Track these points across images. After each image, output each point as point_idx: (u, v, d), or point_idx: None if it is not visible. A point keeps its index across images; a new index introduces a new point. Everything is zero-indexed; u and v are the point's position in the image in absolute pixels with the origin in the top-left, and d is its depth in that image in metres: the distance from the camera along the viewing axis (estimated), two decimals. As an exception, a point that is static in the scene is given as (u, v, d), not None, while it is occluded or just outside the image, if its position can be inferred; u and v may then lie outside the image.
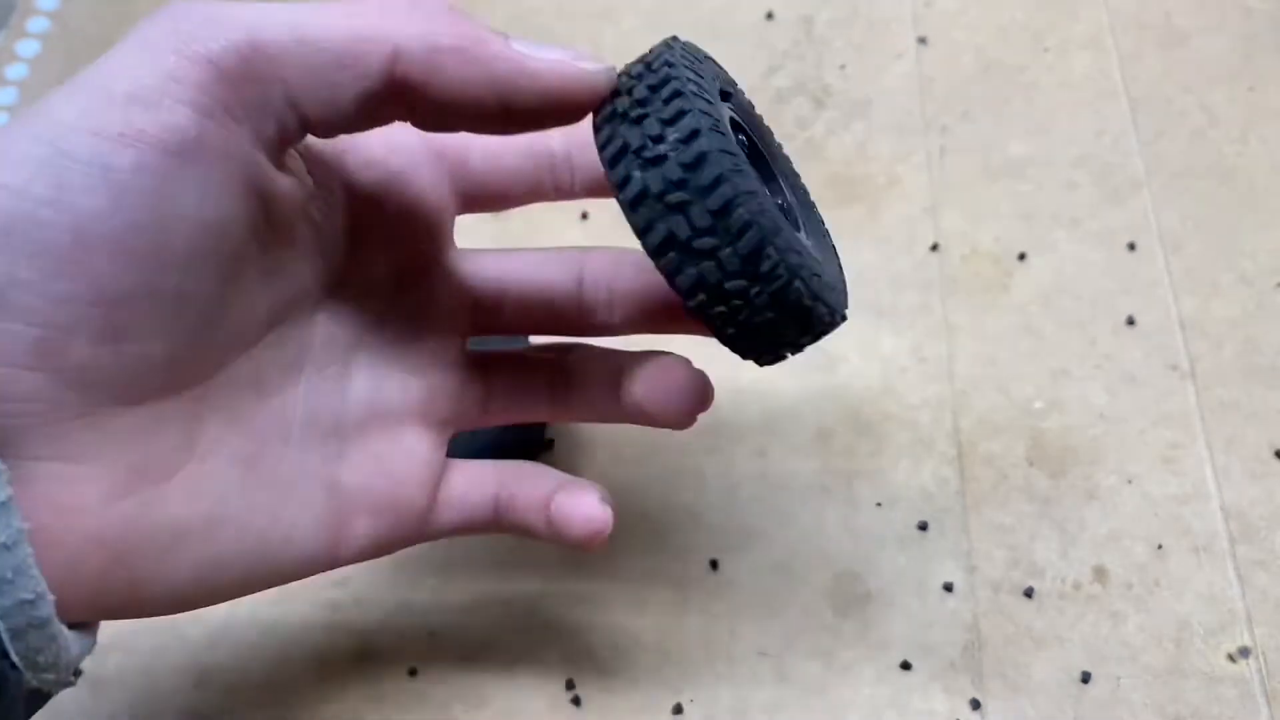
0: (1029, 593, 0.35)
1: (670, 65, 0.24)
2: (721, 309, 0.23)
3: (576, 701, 0.34)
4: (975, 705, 0.33)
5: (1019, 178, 0.44)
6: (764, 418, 0.39)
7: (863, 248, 0.42)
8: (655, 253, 0.23)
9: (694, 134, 0.22)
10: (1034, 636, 0.34)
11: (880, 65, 0.47)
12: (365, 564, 0.36)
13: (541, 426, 0.38)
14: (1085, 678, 0.34)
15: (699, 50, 0.26)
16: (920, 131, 0.45)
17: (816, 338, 0.25)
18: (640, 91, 0.23)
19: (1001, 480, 0.37)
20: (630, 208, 0.23)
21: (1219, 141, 0.44)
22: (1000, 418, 0.38)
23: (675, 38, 0.26)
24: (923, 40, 0.48)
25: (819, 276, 0.25)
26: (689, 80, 0.23)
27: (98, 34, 0.49)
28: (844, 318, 0.26)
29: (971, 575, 0.35)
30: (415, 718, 0.34)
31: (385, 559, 0.36)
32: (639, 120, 0.23)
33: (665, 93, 0.23)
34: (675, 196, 0.22)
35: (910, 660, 0.34)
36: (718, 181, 0.22)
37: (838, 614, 0.35)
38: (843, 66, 0.47)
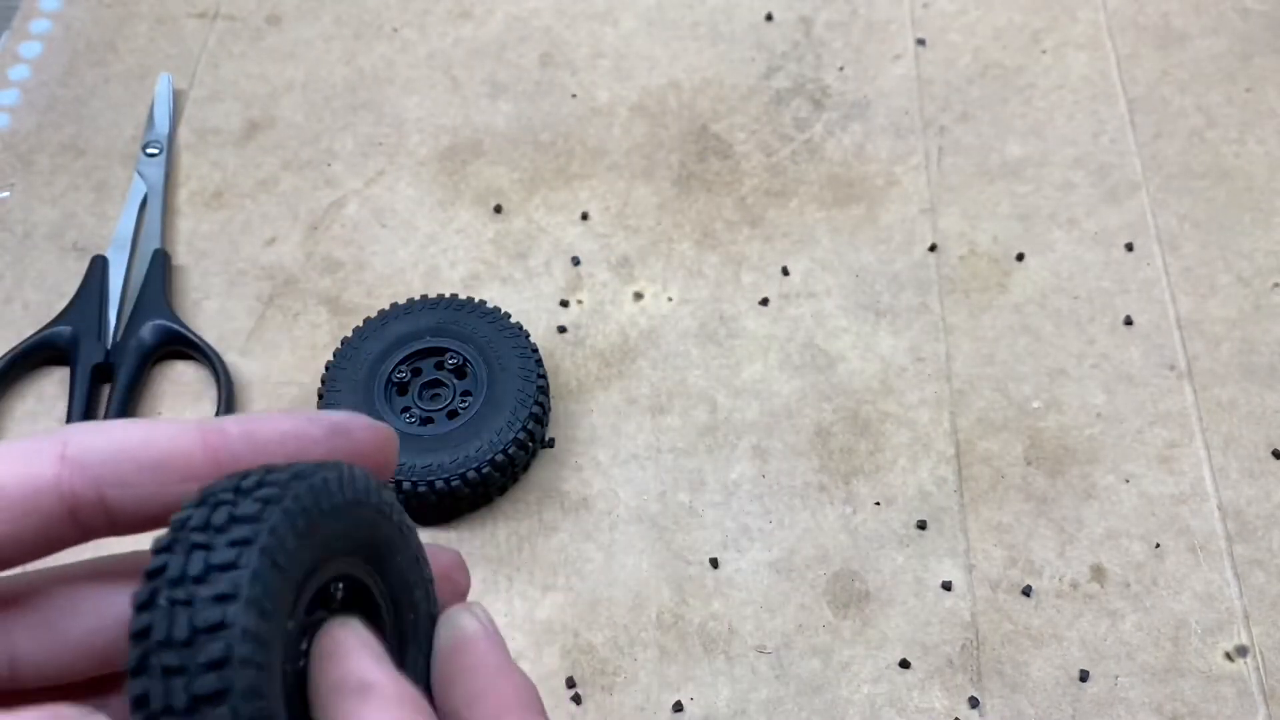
0: (1027, 591, 0.35)
1: (264, 504, 0.19)
2: None
3: (577, 700, 0.34)
4: (974, 703, 0.33)
5: (1017, 178, 0.44)
6: (763, 418, 0.39)
7: (861, 248, 0.42)
8: (130, 699, 0.19)
9: (226, 597, 0.18)
10: (1032, 635, 0.34)
11: (879, 67, 0.47)
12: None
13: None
14: (1083, 676, 0.34)
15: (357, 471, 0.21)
16: (918, 132, 0.45)
17: None
18: (219, 517, 0.19)
19: (999, 479, 0.37)
20: (132, 638, 0.19)
21: (1216, 142, 0.44)
22: (998, 417, 0.39)
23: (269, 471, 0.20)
24: (921, 42, 0.48)
25: None
26: (272, 532, 0.19)
27: (99, 36, 0.50)
28: None
29: (970, 574, 0.36)
30: (416, 716, 0.34)
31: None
32: (198, 546, 0.19)
33: (235, 535, 0.19)
34: (168, 657, 0.18)
35: (909, 658, 0.34)
36: (218, 664, 0.18)
37: (837, 612, 0.35)
38: (841, 68, 0.47)
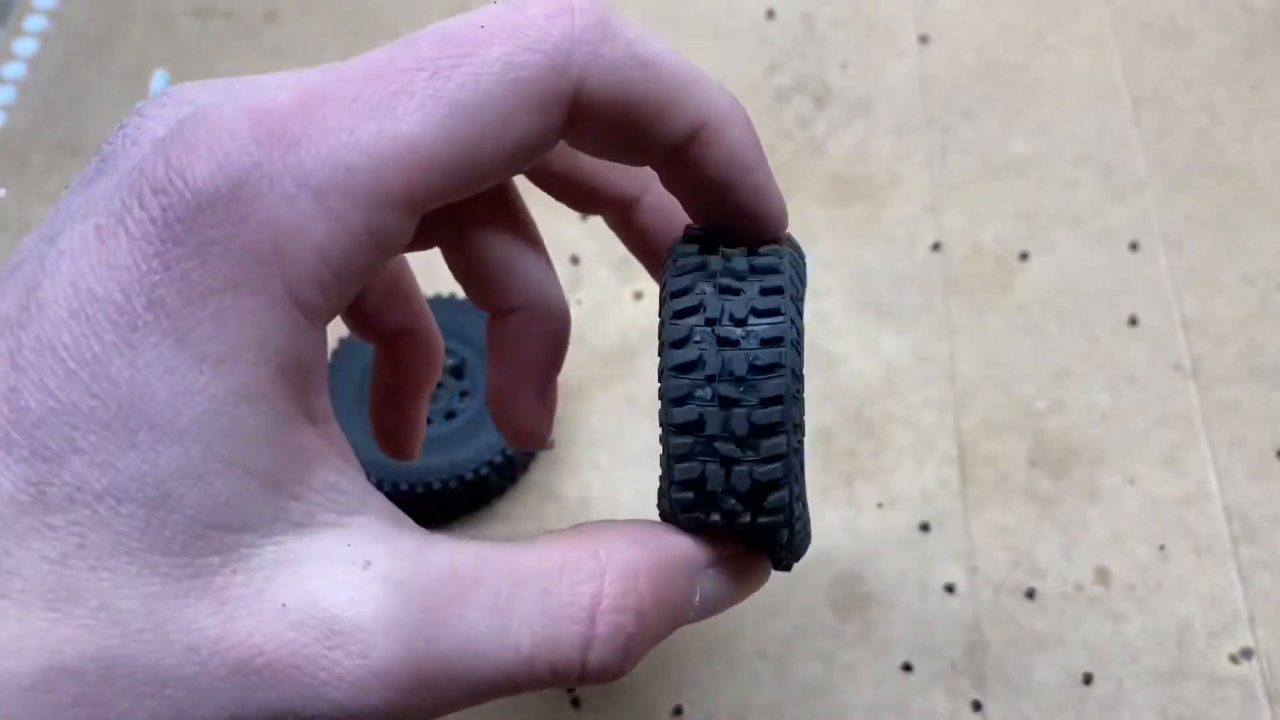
0: (1031, 594, 0.35)
1: (779, 258, 0.22)
2: (699, 512, 0.21)
3: (576, 703, 0.34)
4: (977, 707, 0.33)
5: (1021, 177, 0.44)
6: (765, 418, 0.39)
7: (864, 247, 0.42)
8: (673, 425, 0.21)
9: (776, 340, 0.20)
10: (1036, 638, 0.34)
11: (881, 64, 0.47)
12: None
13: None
14: (1087, 679, 0.33)
15: (802, 256, 0.24)
16: (921, 130, 0.45)
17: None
18: (739, 264, 0.21)
19: (1003, 481, 0.37)
20: (675, 371, 0.20)
21: (1221, 140, 0.44)
22: (1002, 418, 0.38)
23: (789, 235, 0.24)
24: (924, 39, 0.48)
25: (805, 534, 0.23)
26: (790, 284, 0.21)
27: (95, 33, 0.49)
28: (790, 568, 0.24)
29: (973, 576, 0.35)
30: None
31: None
32: (728, 291, 0.21)
33: (766, 283, 0.21)
34: (726, 389, 0.20)
35: (912, 662, 0.34)
36: (776, 400, 0.20)
37: (839, 615, 0.35)
38: (844, 65, 0.47)
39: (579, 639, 0.19)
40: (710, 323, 0.21)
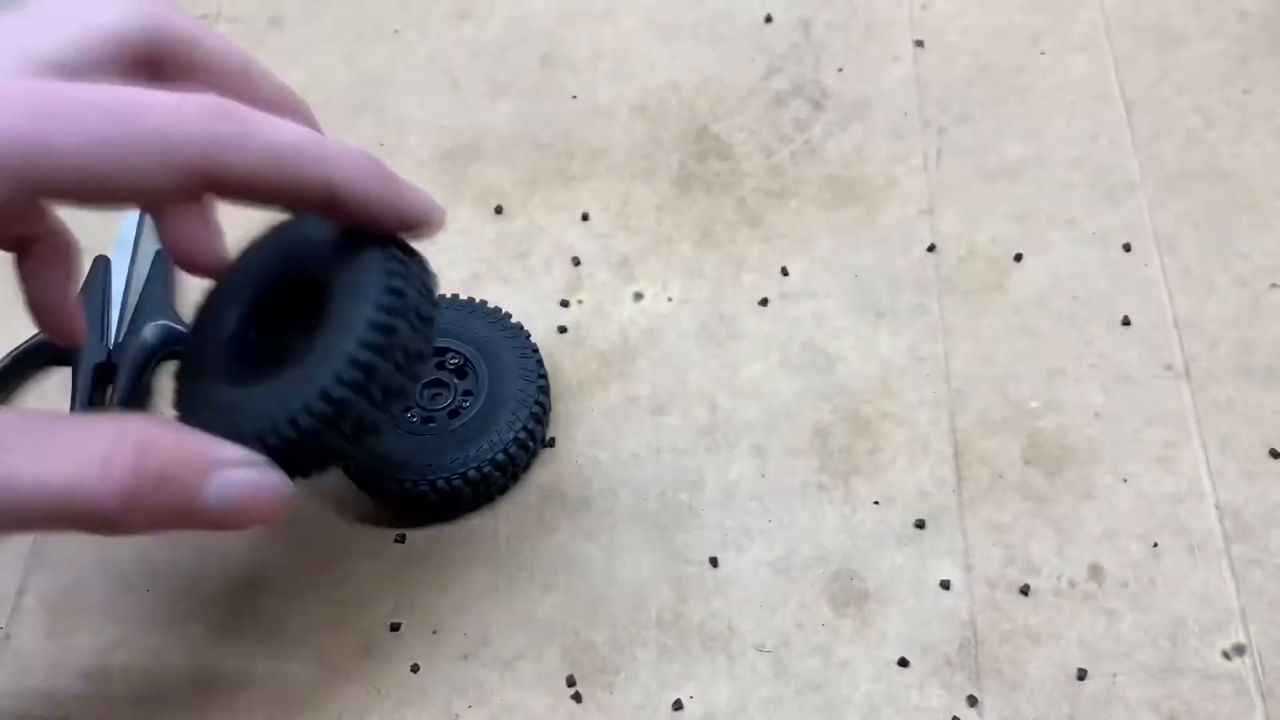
0: (1025, 590, 0.35)
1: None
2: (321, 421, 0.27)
3: (577, 698, 0.34)
4: (972, 702, 0.34)
5: (1015, 179, 0.44)
6: (763, 417, 0.39)
7: (860, 249, 0.43)
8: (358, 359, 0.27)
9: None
10: (1030, 634, 0.35)
11: (878, 68, 0.47)
12: (368, 562, 0.37)
13: None
14: (1081, 675, 0.34)
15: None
16: (917, 133, 0.46)
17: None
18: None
19: (998, 479, 0.37)
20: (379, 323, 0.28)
21: (1214, 143, 0.44)
22: (997, 417, 0.39)
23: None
24: (920, 43, 0.48)
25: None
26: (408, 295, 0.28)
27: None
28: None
29: (968, 573, 0.36)
30: (418, 714, 0.34)
31: (388, 558, 0.37)
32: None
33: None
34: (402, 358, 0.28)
35: (908, 657, 0.34)
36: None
37: (836, 611, 0.35)
38: (841, 69, 0.47)
39: (97, 482, 0.24)
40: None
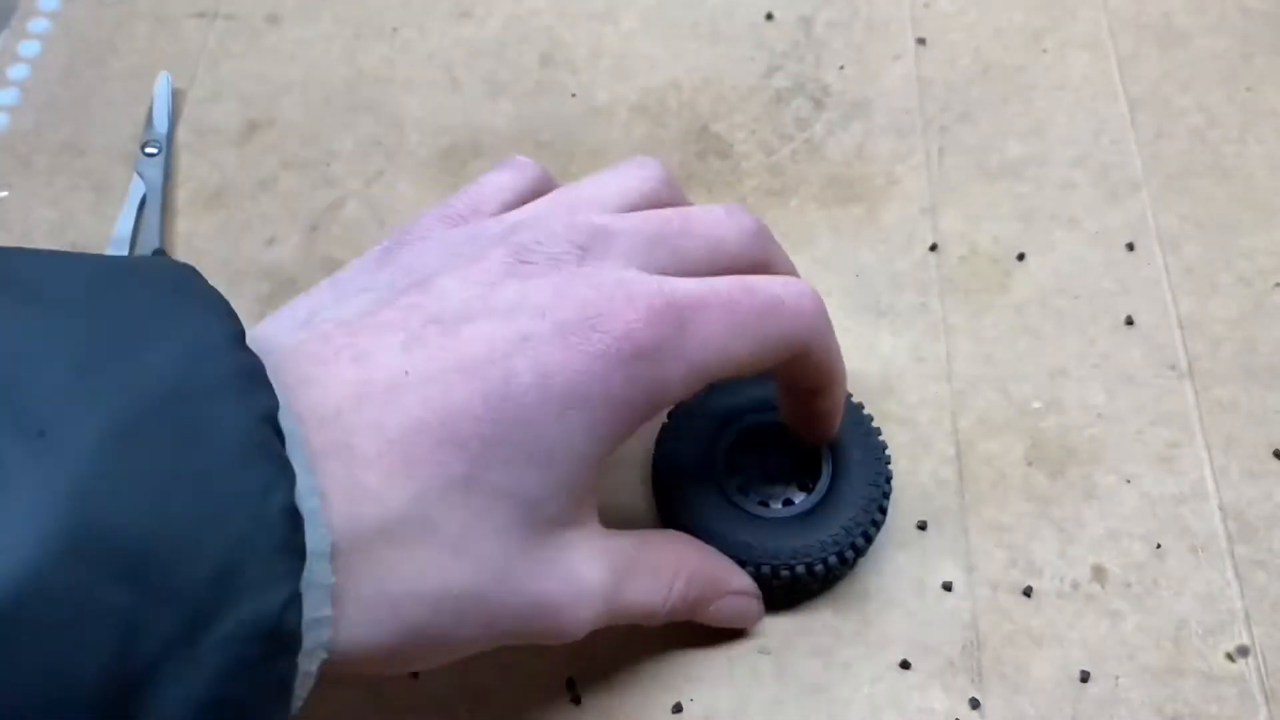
0: (1028, 592, 0.35)
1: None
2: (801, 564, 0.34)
3: (577, 700, 0.34)
4: (974, 704, 0.33)
5: (1017, 178, 0.44)
6: (763, 418, 0.39)
7: (861, 248, 0.42)
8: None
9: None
10: (1033, 636, 0.34)
11: (879, 66, 0.47)
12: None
13: None
14: (1084, 677, 0.34)
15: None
16: (919, 132, 0.45)
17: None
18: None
19: (1000, 480, 0.37)
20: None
21: (1217, 142, 0.44)
22: (999, 417, 0.38)
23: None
24: (921, 41, 0.48)
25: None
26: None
27: (98, 35, 0.49)
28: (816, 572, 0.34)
29: (970, 574, 0.36)
30: (418, 716, 0.34)
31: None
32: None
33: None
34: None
35: (909, 659, 0.34)
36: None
37: (837, 613, 0.35)
38: (842, 67, 0.47)
39: (661, 603, 0.31)
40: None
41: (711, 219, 0.32)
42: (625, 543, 0.31)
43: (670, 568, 0.32)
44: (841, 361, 0.33)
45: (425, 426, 0.25)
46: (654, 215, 0.31)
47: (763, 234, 0.33)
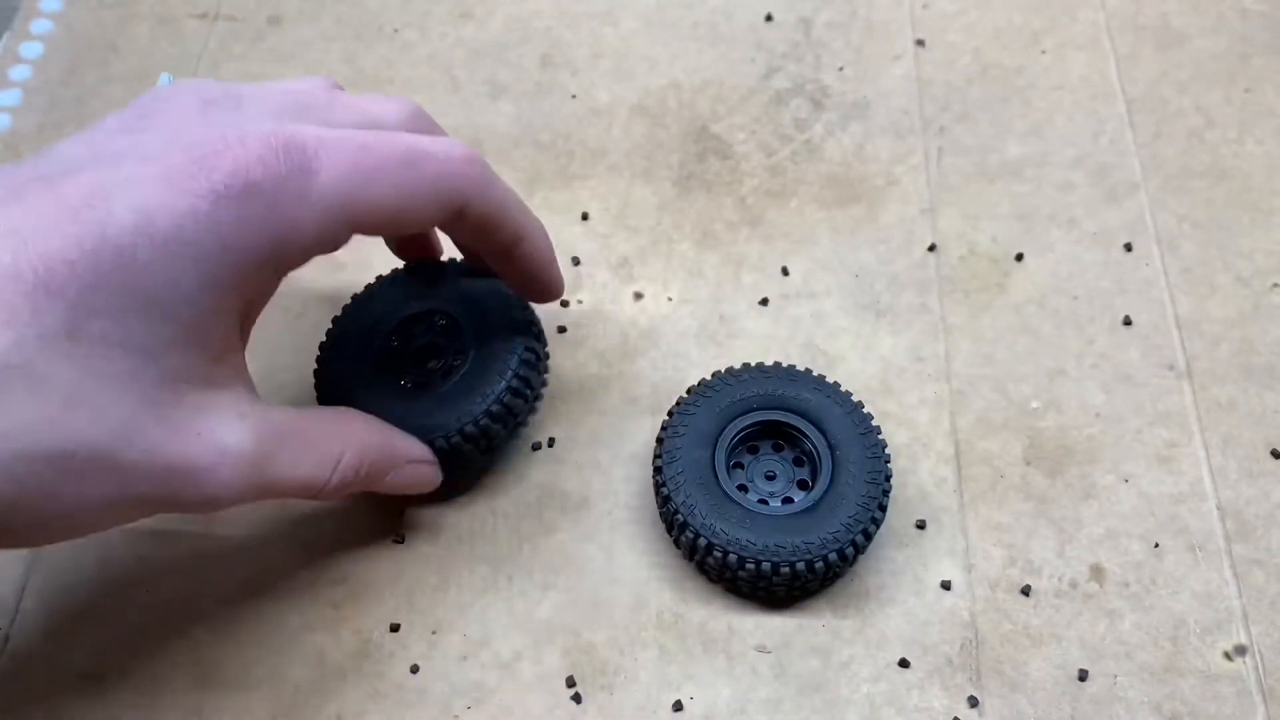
0: (1026, 591, 0.35)
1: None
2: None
3: (577, 699, 0.34)
4: (973, 703, 0.33)
5: (1016, 179, 0.44)
6: (763, 417, 0.39)
7: (861, 248, 0.43)
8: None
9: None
10: (1031, 634, 0.35)
11: (878, 67, 0.47)
12: (367, 562, 0.37)
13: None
14: (1082, 675, 0.34)
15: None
16: (918, 133, 0.45)
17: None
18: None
19: (999, 479, 0.37)
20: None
21: (1215, 142, 0.44)
22: (998, 417, 0.39)
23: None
24: (920, 42, 0.48)
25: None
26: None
27: (100, 37, 0.50)
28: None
29: (969, 574, 0.36)
30: (417, 714, 0.34)
31: (387, 558, 0.37)
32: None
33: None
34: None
35: (908, 658, 0.34)
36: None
37: (836, 612, 0.35)
38: (841, 68, 0.47)
39: (327, 475, 0.31)
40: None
41: (368, 99, 0.32)
42: (281, 414, 0.30)
43: (337, 442, 0.31)
44: (526, 214, 0.33)
45: (17, 274, 0.25)
46: (302, 92, 0.31)
47: (424, 116, 0.33)
